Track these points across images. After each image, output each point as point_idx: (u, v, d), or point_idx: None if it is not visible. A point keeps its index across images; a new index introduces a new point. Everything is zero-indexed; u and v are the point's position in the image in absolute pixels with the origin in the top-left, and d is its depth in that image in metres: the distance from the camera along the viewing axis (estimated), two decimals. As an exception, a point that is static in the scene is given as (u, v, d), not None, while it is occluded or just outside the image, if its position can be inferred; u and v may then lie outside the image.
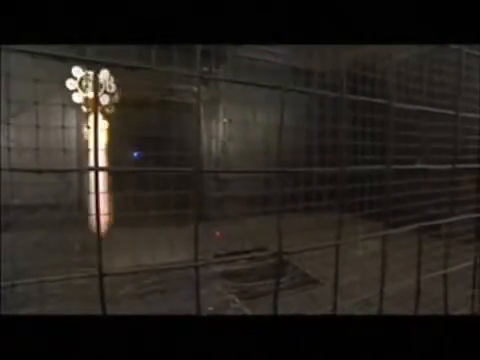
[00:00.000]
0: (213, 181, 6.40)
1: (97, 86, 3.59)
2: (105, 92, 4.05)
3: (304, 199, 4.64)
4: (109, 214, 3.97)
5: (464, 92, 1.24)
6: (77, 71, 3.87)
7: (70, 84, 3.92)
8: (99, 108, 4.07)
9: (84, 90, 3.93)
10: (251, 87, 0.81)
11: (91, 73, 3.84)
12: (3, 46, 0.56)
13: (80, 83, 3.91)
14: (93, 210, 3.82)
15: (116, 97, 4.17)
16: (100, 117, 4.16)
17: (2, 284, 0.60)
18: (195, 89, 0.76)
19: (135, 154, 5.82)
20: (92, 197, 3.88)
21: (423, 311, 1.14)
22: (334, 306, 0.94)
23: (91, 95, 3.96)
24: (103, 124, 4.09)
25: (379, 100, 0.99)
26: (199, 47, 0.72)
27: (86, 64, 3.70)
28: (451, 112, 1.10)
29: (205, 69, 5.76)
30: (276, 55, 5.73)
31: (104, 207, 4.04)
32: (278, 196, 0.94)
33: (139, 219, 3.98)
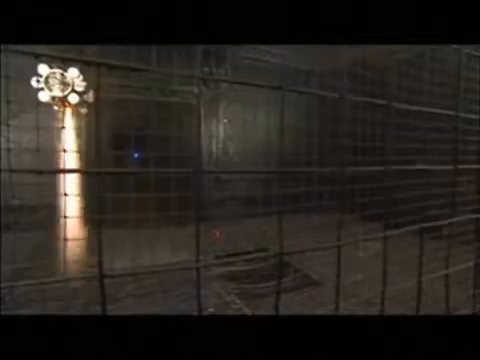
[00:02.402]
0: (214, 182, 6.40)
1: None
2: (73, 91, 3.87)
3: (305, 199, 4.64)
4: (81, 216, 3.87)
5: (464, 93, 1.24)
6: (43, 69, 3.66)
7: (36, 82, 3.70)
8: (70, 107, 3.91)
9: (51, 89, 3.75)
10: (252, 87, 0.81)
11: (58, 71, 3.71)
12: (3, 46, 0.56)
13: (46, 81, 3.73)
14: (64, 213, 3.72)
15: (90, 96, 3.99)
16: (73, 116, 3.99)
17: (2, 285, 0.60)
18: (196, 90, 0.76)
19: (135, 155, 5.80)
20: (64, 199, 3.77)
21: (424, 311, 1.14)
22: (336, 306, 0.94)
23: (58, 93, 3.76)
24: (77, 123, 3.95)
25: (379, 101, 0.99)
26: (200, 47, 0.73)
27: (54, 62, 3.49)
28: (451, 112, 1.10)
29: (206, 70, 5.77)
30: (277, 55, 5.72)
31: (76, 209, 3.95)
32: (279, 196, 0.94)
33: (139, 220, 3.98)
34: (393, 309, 1.17)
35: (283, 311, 0.82)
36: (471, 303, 1.45)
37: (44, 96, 3.72)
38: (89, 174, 0.66)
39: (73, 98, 3.86)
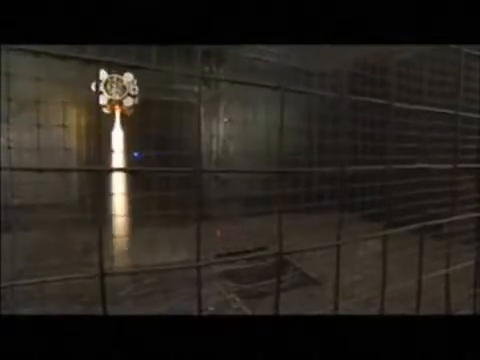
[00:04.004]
0: (214, 181, 6.40)
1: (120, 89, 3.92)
2: (129, 94, 4.18)
3: (305, 199, 4.64)
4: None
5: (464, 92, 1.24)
6: (102, 74, 4.00)
7: (95, 87, 4.07)
8: (120, 110, 4.25)
9: (109, 92, 4.08)
10: (252, 87, 0.81)
11: (115, 76, 4.05)
12: (3, 45, 0.57)
13: (105, 85, 4.04)
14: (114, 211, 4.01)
15: (137, 99, 4.30)
16: (122, 119, 4.37)
17: (2, 284, 0.60)
18: (196, 89, 0.76)
19: (135, 154, 5.80)
20: (114, 198, 4.05)
21: (424, 311, 1.14)
22: (335, 306, 0.94)
23: (115, 97, 4.12)
24: (124, 126, 4.28)
25: (379, 100, 0.99)
26: (200, 47, 0.73)
27: (111, 67, 3.80)
28: (450, 111, 1.10)
29: (206, 68, 5.77)
30: (278, 55, 5.72)
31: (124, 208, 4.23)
32: (279, 196, 0.94)
33: (140, 219, 4.02)
34: (393, 309, 1.17)
35: (282, 310, 0.82)
36: (472, 303, 1.44)
37: (103, 99, 4.10)
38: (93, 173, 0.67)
39: (128, 101, 4.23)
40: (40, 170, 0.62)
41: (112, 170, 0.80)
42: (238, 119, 6.38)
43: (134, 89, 4.14)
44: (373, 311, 1.23)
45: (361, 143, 4.48)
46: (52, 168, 0.63)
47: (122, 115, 4.23)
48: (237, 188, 6.23)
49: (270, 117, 5.46)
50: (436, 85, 3.39)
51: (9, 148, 3.15)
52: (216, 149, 6.73)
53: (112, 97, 4.07)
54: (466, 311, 1.41)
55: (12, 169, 0.64)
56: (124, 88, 4.10)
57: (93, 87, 4.01)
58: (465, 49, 1.09)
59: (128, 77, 4.13)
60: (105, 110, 4.11)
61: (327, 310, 1.03)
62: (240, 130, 6.42)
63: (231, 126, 6.71)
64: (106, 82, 4.02)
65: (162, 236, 4.13)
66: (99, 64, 0.65)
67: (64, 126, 4.13)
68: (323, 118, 5.56)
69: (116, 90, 4.05)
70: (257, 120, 6.25)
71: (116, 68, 3.91)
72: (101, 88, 3.97)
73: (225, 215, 5.32)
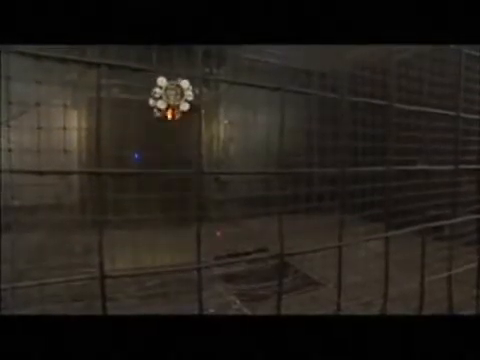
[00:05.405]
0: (214, 182, 6.38)
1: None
2: (186, 100, 4.43)
3: (305, 200, 4.63)
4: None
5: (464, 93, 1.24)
6: (161, 81, 4.26)
7: (156, 93, 4.41)
8: (172, 114, 4.49)
9: (169, 98, 4.34)
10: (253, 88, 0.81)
11: (174, 82, 4.26)
12: (3, 46, 0.57)
13: (165, 91, 4.30)
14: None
15: (185, 105, 4.54)
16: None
17: (2, 286, 0.60)
18: (196, 91, 0.76)
19: (136, 156, 5.78)
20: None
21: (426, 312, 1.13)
22: (338, 307, 0.94)
23: (173, 102, 4.40)
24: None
25: (379, 101, 0.99)
26: (200, 48, 0.73)
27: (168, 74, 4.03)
28: (451, 113, 1.10)
29: (206, 70, 5.76)
30: (278, 55, 5.70)
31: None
32: (279, 197, 0.94)
33: (140, 221, 4.00)
34: (395, 310, 1.16)
35: (283, 312, 0.82)
36: (474, 304, 1.44)
37: (162, 104, 4.33)
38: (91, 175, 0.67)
39: (184, 106, 4.49)
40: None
41: (111, 172, 0.80)
42: (238, 120, 6.38)
43: (189, 95, 4.31)
44: (374, 312, 1.22)
45: (361, 144, 4.47)
46: (52, 170, 0.63)
47: (173, 119, 4.43)
48: (238, 189, 6.22)
49: (270, 118, 5.46)
50: (437, 86, 3.38)
51: (10, 150, 3.14)
52: (216, 149, 6.73)
53: (171, 103, 4.20)
54: (468, 312, 1.40)
55: (12, 172, 0.64)
56: (182, 94, 4.16)
57: (155, 93, 4.29)
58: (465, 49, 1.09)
59: (185, 83, 4.26)
60: (157, 115, 4.26)
61: (329, 311, 1.03)
62: (240, 131, 6.41)
63: (231, 127, 6.70)
64: (166, 88, 4.12)
65: (162, 238, 4.12)
66: (99, 67, 0.65)
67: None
68: (323, 119, 5.55)
69: (175, 96, 4.15)
70: (257, 121, 6.24)
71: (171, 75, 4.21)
72: (161, 94, 4.18)
73: (225, 217, 5.31)
